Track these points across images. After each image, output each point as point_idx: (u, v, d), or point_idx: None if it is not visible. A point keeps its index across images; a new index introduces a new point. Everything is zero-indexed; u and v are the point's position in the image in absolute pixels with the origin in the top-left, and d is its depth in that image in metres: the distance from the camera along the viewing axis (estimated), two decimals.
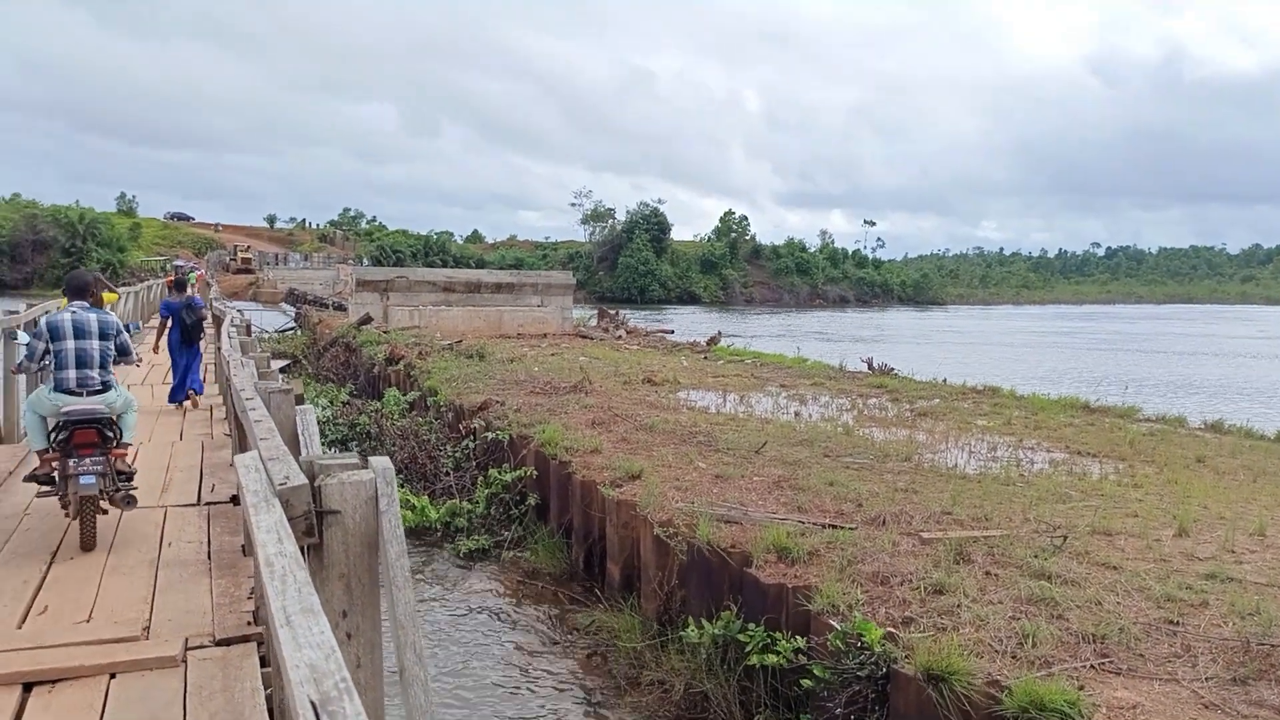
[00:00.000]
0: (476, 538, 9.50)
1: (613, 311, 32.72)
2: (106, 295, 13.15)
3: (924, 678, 4.35)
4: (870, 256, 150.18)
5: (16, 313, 11.03)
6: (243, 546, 6.44)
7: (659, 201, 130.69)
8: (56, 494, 6.55)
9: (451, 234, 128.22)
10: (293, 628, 1.18)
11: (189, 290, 13.50)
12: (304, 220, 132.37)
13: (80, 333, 6.78)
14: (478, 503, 10.03)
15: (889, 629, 4.85)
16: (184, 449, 10.14)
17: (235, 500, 7.80)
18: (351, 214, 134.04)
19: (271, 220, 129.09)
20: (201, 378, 13.08)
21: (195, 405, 12.70)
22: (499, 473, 10.11)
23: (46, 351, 6.74)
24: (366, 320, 24.85)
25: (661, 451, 9.23)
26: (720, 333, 27.49)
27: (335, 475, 2.16)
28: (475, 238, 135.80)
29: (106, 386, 6.79)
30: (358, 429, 13.06)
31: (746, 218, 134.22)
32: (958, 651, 4.41)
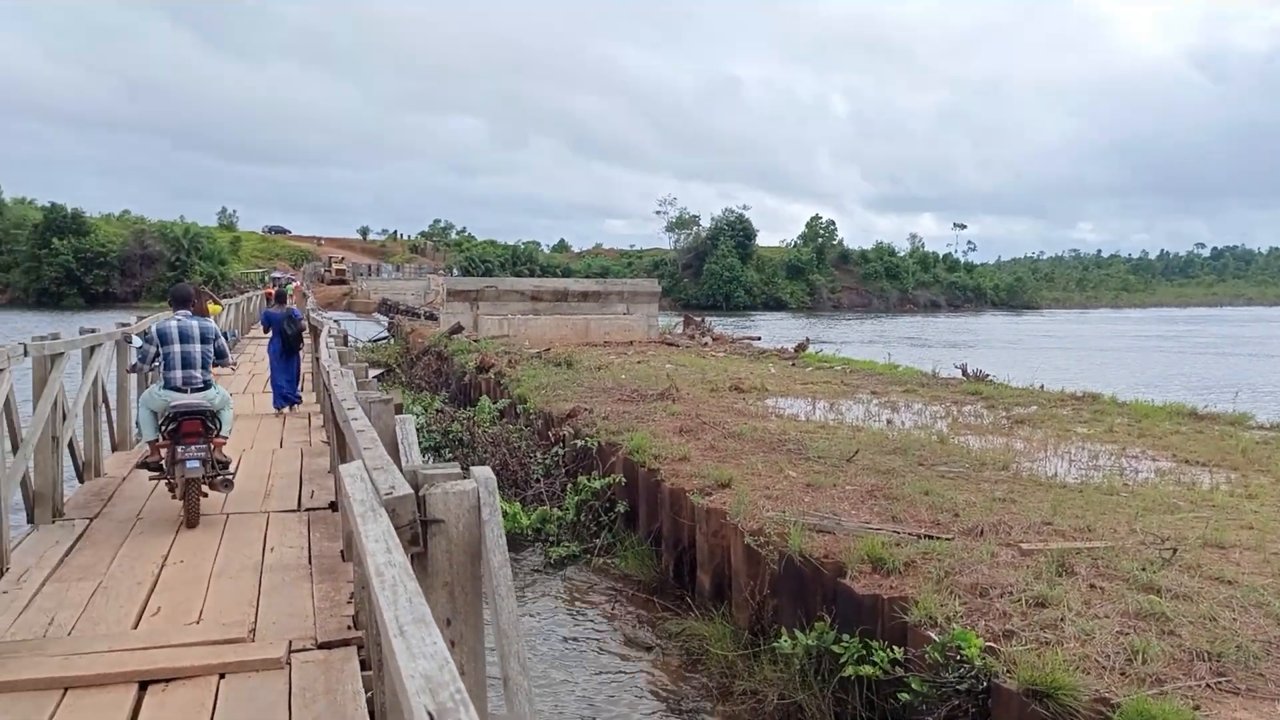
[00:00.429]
0: (567, 544, 9.58)
1: (698, 318, 32.69)
2: (211, 306, 13.80)
3: (1027, 693, 4.22)
4: (961, 260, 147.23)
5: (128, 324, 11.55)
6: (341, 552, 6.60)
7: (744, 208, 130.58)
8: (165, 478, 7.61)
9: (538, 243, 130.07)
10: (406, 638, 1.20)
11: (288, 302, 14.10)
12: (395, 232, 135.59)
13: (185, 338, 7.75)
14: (567, 509, 10.11)
15: (989, 642, 4.72)
16: (284, 456, 10.46)
17: (333, 506, 8.02)
18: (441, 225, 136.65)
19: (364, 232, 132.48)
20: (300, 388, 13.79)
21: (294, 412, 13.17)
22: (588, 480, 10.17)
23: (156, 355, 7.72)
24: (457, 329, 25.28)
25: (750, 459, 9.17)
26: (808, 339, 27.21)
27: (439, 485, 2.19)
28: (561, 247, 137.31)
29: (207, 385, 7.82)
30: (450, 436, 13.28)
31: (833, 222, 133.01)
32: (1062, 667, 4.27)
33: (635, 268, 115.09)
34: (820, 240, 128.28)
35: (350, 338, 23.92)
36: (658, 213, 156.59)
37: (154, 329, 7.82)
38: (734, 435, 10.45)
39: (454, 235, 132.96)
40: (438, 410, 15.55)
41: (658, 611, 8.05)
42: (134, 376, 10.50)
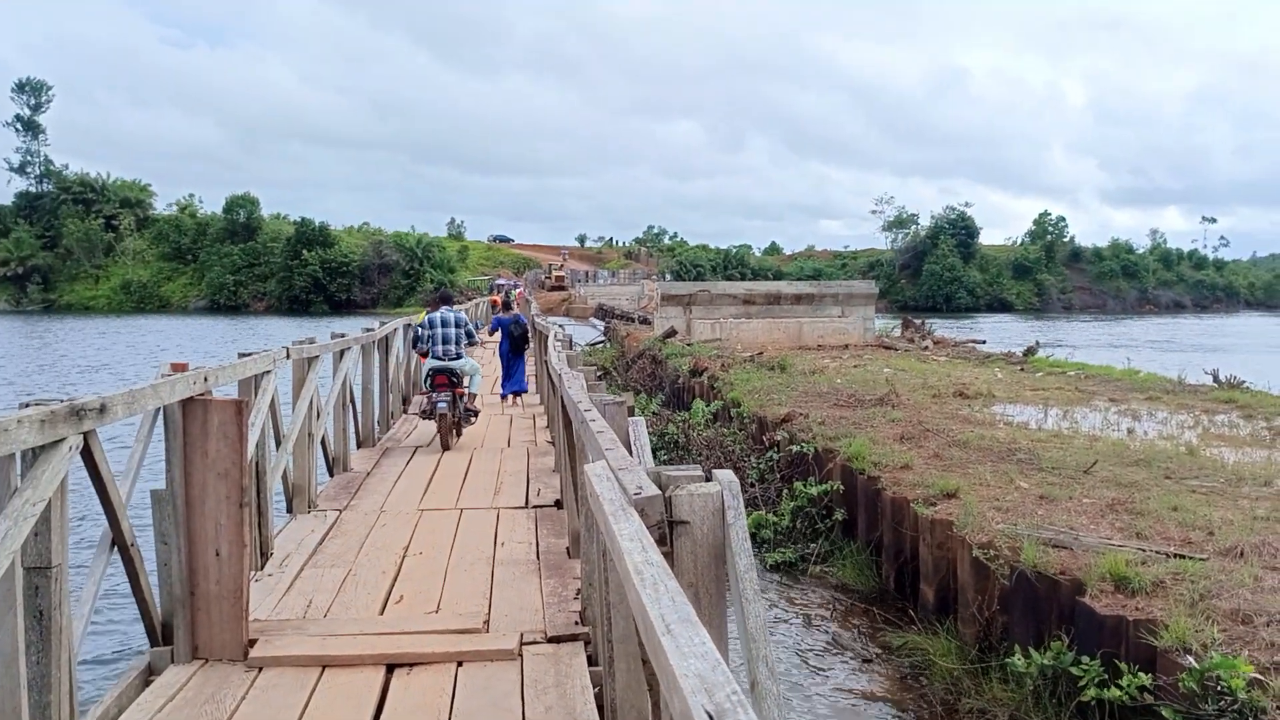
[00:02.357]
0: (783, 550, 9.51)
1: (917, 321, 31.68)
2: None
3: None
4: (1210, 257, 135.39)
5: (372, 329, 12.53)
6: (567, 548, 6.84)
7: (966, 205, 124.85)
8: (431, 417, 11.46)
9: (750, 247, 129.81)
10: (674, 636, 1.22)
11: (514, 308, 16.10)
12: (611, 238, 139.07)
13: (445, 324, 11.62)
14: (783, 515, 10.03)
15: (1255, 674, 4.32)
16: (512, 455, 10.95)
17: (558, 504, 8.32)
18: (655, 231, 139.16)
19: (582, 239, 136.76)
20: (526, 382, 15.94)
21: (516, 404, 15.32)
22: (804, 486, 10.06)
23: (430, 338, 11.57)
24: (671, 333, 25.63)
25: (978, 469, 8.80)
26: (1037, 342, 25.80)
27: (684, 487, 2.23)
28: (773, 249, 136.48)
29: (459, 356, 11.60)
30: (666, 438, 13.48)
31: (1064, 219, 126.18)
32: None
33: (849, 269, 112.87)
34: (1050, 238, 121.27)
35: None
36: (874, 212, 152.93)
37: (427, 319, 11.87)
38: (959, 443, 10.06)
39: (666, 240, 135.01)
40: (654, 413, 15.84)
41: (877, 622, 7.85)
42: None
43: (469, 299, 55.97)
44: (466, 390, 11.55)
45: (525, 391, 15.80)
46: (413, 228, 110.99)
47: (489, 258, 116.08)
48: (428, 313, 12.35)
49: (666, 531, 2.15)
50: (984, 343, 28.17)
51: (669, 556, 2.15)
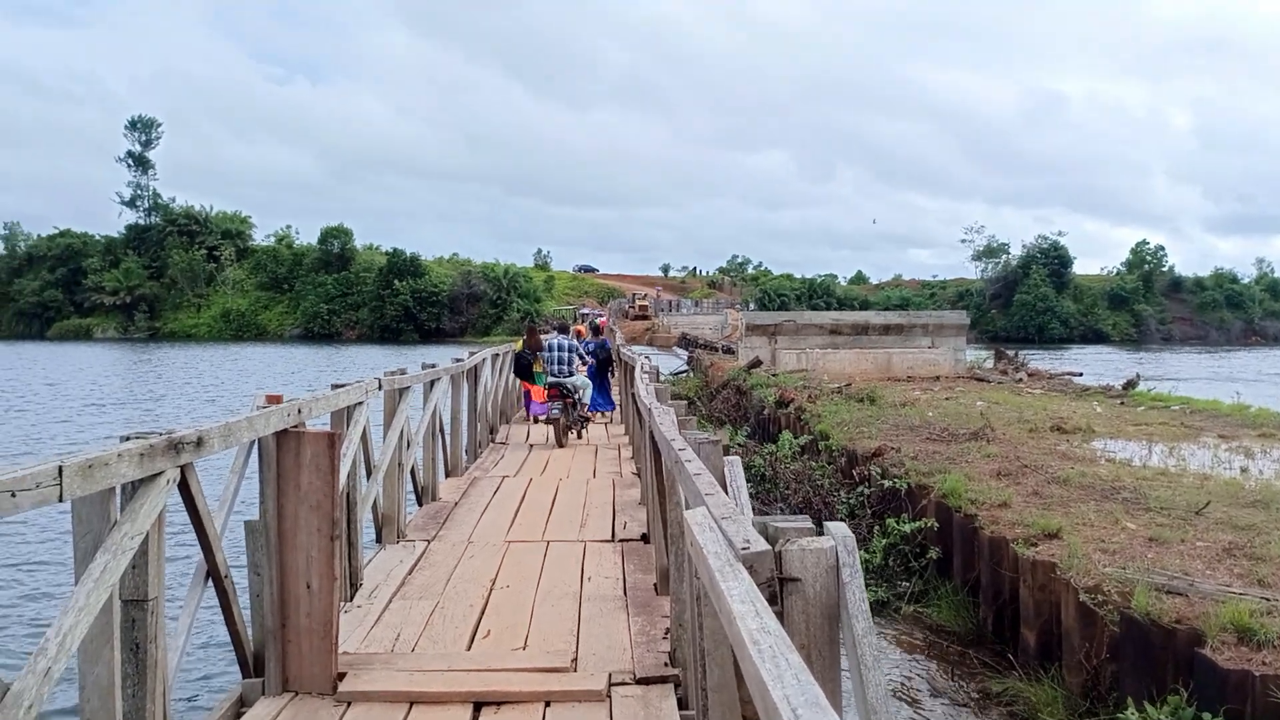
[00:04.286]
0: (874, 589, 9.23)
1: (1010, 352, 30.84)
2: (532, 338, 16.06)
3: None
4: None
5: (461, 359, 12.67)
6: (655, 585, 6.72)
7: (1059, 234, 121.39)
8: (549, 421, 14.44)
9: (835, 276, 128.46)
10: None
11: (601, 334, 18.39)
12: (695, 268, 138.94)
13: (560, 349, 14.55)
14: (874, 552, 9.76)
15: None
16: (597, 486, 10.89)
17: (645, 539, 8.21)
18: (739, 260, 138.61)
19: (665, 269, 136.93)
20: (612, 402, 17.71)
21: (599, 420, 17.02)
22: (897, 523, 9.78)
23: (549, 359, 14.48)
24: (756, 363, 25.41)
25: (1080, 508, 8.44)
26: (1137, 375, 24.85)
27: (795, 541, 2.12)
28: (859, 279, 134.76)
29: (571, 374, 14.51)
30: (752, 471, 13.28)
31: (1163, 248, 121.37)
32: None
33: (938, 299, 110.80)
34: (1147, 267, 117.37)
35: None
36: (963, 241, 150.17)
37: (546, 344, 14.91)
38: (1059, 480, 9.68)
39: (750, 269, 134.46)
40: (739, 444, 15.64)
41: (975, 666, 7.55)
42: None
43: (544, 332, 56.47)
44: (577, 399, 14.53)
45: (613, 408, 17.64)
46: (497, 260, 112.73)
47: (574, 287, 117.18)
48: (524, 340, 15.62)
49: (777, 589, 2.03)
50: (1080, 375, 27.29)
51: (779, 616, 2.03)
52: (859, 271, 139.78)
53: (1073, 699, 6.29)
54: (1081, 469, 10.25)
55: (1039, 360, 35.64)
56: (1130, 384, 22.05)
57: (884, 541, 9.76)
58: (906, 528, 9.58)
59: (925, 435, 13.21)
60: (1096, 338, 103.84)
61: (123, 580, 3.50)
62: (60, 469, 3.03)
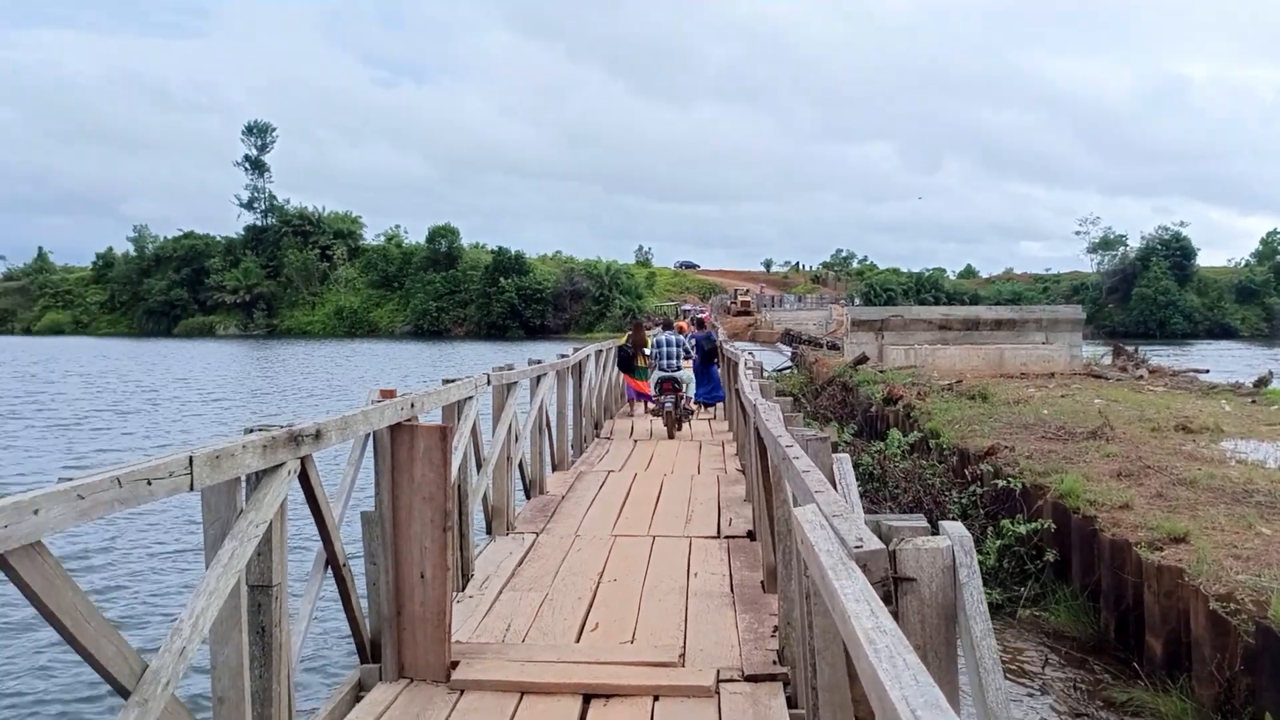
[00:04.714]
0: (989, 591, 8.97)
1: (1130, 348, 29.64)
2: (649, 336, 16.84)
3: None
4: None
5: (566, 355, 12.80)
6: (762, 582, 6.67)
7: (1181, 224, 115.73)
8: (660, 413, 15.24)
9: (944, 270, 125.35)
10: None
11: (705, 328, 20.21)
12: (797, 263, 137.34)
13: (668, 344, 15.34)
14: (988, 554, 9.48)
15: None
16: (702, 482, 10.88)
17: (751, 536, 8.16)
18: (843, 254, 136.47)
19: (768, 264, 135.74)
20: (720, 392, 17.71)
21: (703, 416, 17.55)
22: (1011, 524, 9.49)
23: (658, 354, 15.29)
24: (862, 359, 24.99)
25: (1209, 511, 8.05)
26: (1270, 372, 23.58)
27: (909, 540, 2.06)
28: (968, 273, 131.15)
29: (679, 368, 15.30)
30: (860, 469, 13.07)
31: None
32: None
33: (1051, 293, 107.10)
34: (1279, 258, 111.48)
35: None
36: (1078, 233, 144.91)
37: (654, 340, 15.81)
38: (1185, 482, 9.25)
39: (855, 264, 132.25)
40: (847, 442, 15.42)
41: (1096, 674, 7.28)
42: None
43: (655, 324, 56.68)
44: (685, 394, 15.48)
45: (722, 400, 17.64)
46: (599, 257, 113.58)
47: (675, 284, 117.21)
48: (629, 335, 17.28)
49: (891, 589, 1.98)
50: (1206, 372, 26.00)
51: (895, 616, 1.98)
52: (968, 265, 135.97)
53: (1204, 712, 6.00)
54: (1210, 470, 9.77)
55: (1160, 356, 34.16)
56: (1262, 381, 20.92)
57: (998, 543, 9.47)
58: (1022, 529, 9.29)
59: (1040, 434, 12.79)
60: (1223, 333, 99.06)
61: (249, 566, 3.63)
62: (191, 459, 3.17)
